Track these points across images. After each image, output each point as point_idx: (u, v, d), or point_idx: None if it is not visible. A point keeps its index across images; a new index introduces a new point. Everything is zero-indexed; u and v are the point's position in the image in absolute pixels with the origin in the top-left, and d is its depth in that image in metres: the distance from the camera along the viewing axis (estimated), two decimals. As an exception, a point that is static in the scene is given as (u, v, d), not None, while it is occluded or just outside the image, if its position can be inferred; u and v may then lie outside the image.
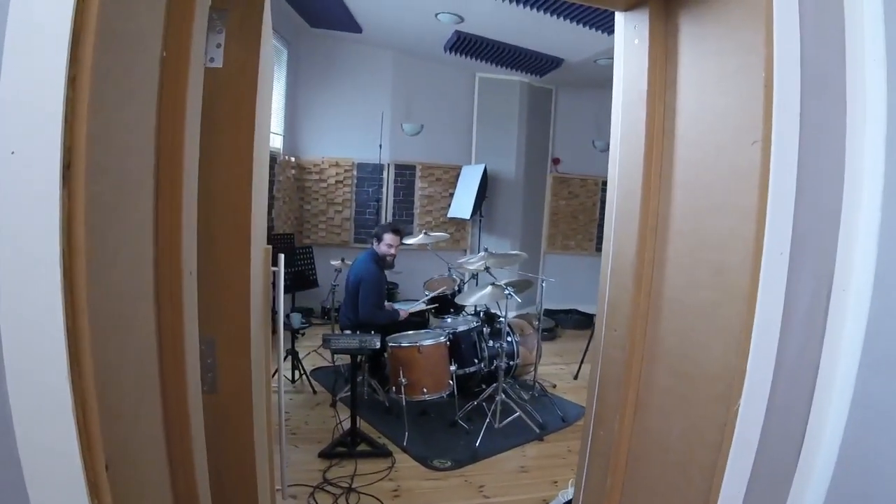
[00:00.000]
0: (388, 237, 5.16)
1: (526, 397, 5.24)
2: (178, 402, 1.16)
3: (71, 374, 0.84)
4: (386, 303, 5.27)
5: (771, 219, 1.09)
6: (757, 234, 1.09)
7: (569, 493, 3.37)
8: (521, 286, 4.99)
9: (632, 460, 1.38)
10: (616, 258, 1.45)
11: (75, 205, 0.84)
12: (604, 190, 9.16)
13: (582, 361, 6.24)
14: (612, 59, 6.30)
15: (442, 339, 4.60)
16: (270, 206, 7.22)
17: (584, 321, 8.61)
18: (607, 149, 7.05)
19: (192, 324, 1.23)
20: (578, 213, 9.27)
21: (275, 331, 3.84)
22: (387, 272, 5.37)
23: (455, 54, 7.49)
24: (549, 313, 8.19)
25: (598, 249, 9.14)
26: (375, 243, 5.16)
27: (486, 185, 7.98)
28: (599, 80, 8.37)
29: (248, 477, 1.50)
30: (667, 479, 1.27)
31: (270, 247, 2.10)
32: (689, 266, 1.23)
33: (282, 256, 2.66)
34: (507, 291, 4.55)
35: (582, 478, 1.57)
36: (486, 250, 4.94)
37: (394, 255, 5.24)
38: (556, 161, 9.13)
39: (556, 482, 3.90)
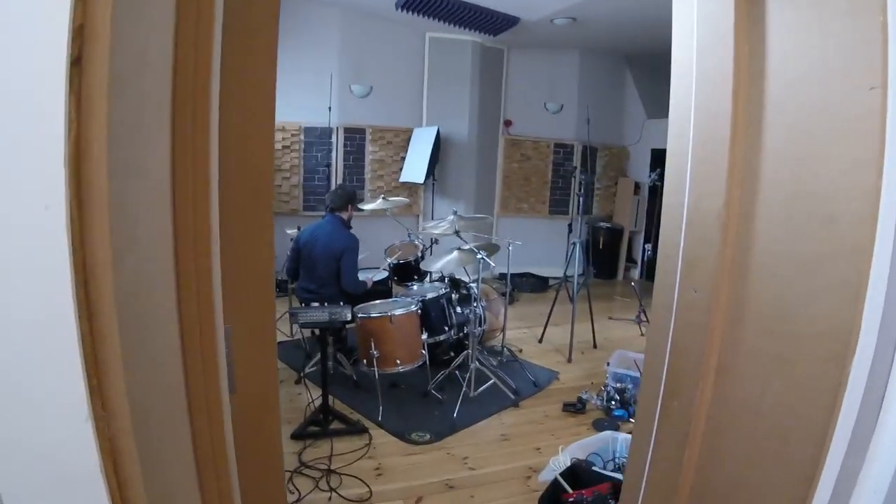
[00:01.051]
0: (353, 202, 4.93)
1: (495, 364, 5.13)
2: (210, 425, 0.94)
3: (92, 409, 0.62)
4: None
5: (890, 168, 0.94)
6: (875, 184, 0.95)
7: (559, 459, 3.27)
8: (490, 250, 4.83)
9: (711, 430, 1.25)
10: (693, 210, 1.28)
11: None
12: (556, 152, 9.14)
13: (546, 324, 6.17)
14: (570, 18, 6.12)
15: (413, 307, 4.41)
16: (215, 175, 6.81)
17: (539, 284, 8.59)
18: (560, 111, 6.95)
19: (220, 313, 0.99)
20: (531, 176, 9.15)
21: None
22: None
23: (406, 12, 7.14)
24: (505, 277, 8.11)
25: (552, 212, 9.20)
26: (344, 211, 4.83)
27: (438, 148, 7.75)
28: (554, 40, 8.23)
29: (274, 493, 1.26)
30: (760, 447, 1.14)
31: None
32: (787, 218, 1.08)
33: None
34: (480, 255, 4.37)
35: (647, 453, 1.43)
36: (455, 213, 4.75)
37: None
38: (507, 123, 8.96)
39: (538, 448, 3.81)
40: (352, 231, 4.84)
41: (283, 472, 1.33)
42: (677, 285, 1.33)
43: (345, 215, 4.81)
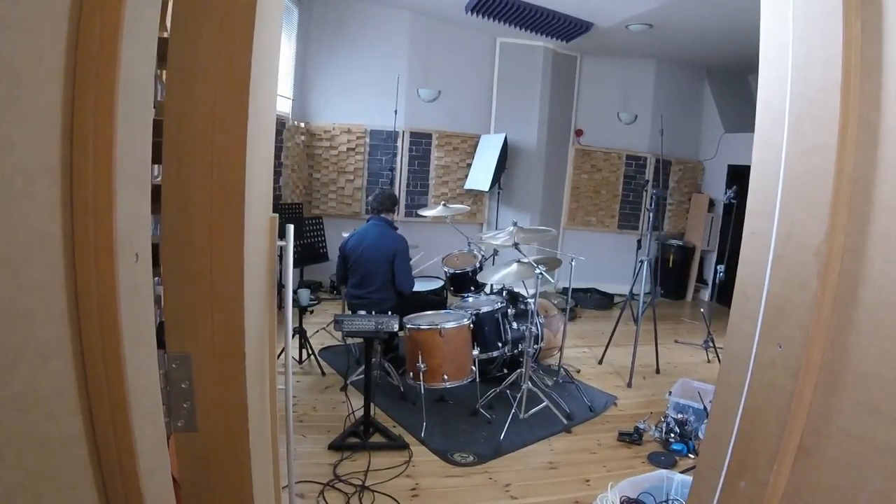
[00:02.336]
0: (395, 205, 4.94)
1: (550, 384, 4.88)
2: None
3: None
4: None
5: None
6: None
7: (608, 497, 3.00)
8: (551, 265, 4.59)
9: (784, 525, 0.99)
10: (783, 242, 1.02)
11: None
12: (628, 164, 8.77)
13: (608, 345, 5.86)
14: (646, 25, 5.82)
15: (465, 321, 4.21)
16: (278, 174, 6.82)
17: (604, 301, 8.24)
18: (633, 121, 6.67)
19: (141, 343, 0.82)
20: (601, 188, 8.81)
21: (281, 306, 3.50)
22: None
23: (476, 16, 6.98)
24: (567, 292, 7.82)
25: (621, 226, 8.84)
26: (389, 213, 4.78)
27: (505, 156, 7.54)
28: (629, 47, 7.91)
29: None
30: (847, 558, 0.87)
31: (276, 215, 1.71)
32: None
33: (290, 228, 2.28)
34: (538, 270, 4.14)
35: None
36: (514, 224, 4.53)
37: None
38: (578, 132, 8.66)
39: (587, 481, 3.55)
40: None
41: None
42: (757, 336, 1.06)
43: (390, 217, 4.75)
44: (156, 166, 1.06)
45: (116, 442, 0.79)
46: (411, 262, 4.89)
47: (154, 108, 0.94)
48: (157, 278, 1.25)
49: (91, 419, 0.75)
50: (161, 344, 1.04)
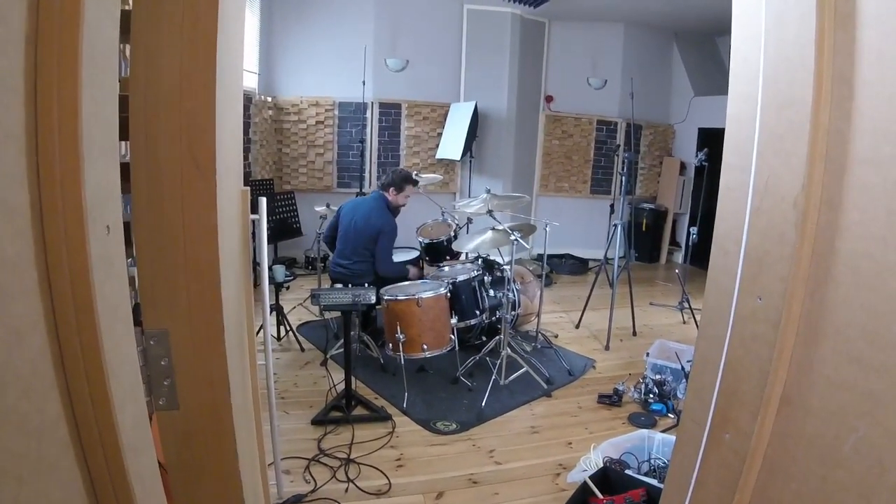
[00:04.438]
0: (409, 189, 4.82)
1: (528, 349, 4.92)
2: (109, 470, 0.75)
3: None
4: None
5: None
6: None
7: (591, 458, 3.05)
8: (525, 231, 4.59)
9: (769, 475, 1.00)
10: (762, 194, 1.01)
11: None
12: (599, 129, 8.78)
13: (584, 309, 5.91)
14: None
15: (442, 290, 4.21)
16: (247, 151, 6.70)
17: (579, 266, 8.30)
18: (603, 86, 6.64)
19: (117, 317, 0.79)
20: (572, 154, 8.81)
21: (257, 284, 3.46)
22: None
23: (442, -19, 6.88)
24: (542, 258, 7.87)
25: (593, 191, 8.87)
26: (392, 192, 4.72)
27: (476, 124, 7.49)
28: (597, 11, 7.87)
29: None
30: (831, 502, 0.89)
31: (248, 189, 1.67)
32: (889, 210, 0.82)
33: (263, 201, 2.24)
34: (513, 236, 4.14)
35: (686, 491, 1.19)
36: (488, 191, 4.52)
37: (404, 206, 4.92)
38: (548, 99, 8.63)
39: (569, 443, 3.60)
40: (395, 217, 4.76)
41: (243, 499, 1.14)
42: (737, 289, 1.06)
43: (389, 195, 4.72)
44: (123, 144, 1.02)
45: (97, 419, 0.77)
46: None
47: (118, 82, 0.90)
48: (129, 259, 1.22)
49: (69, 397, 0.73)
50: (138, 325, 1.02)
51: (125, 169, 0.96)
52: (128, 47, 1.13)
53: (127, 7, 1.02)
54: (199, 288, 1.00)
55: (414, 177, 5.02)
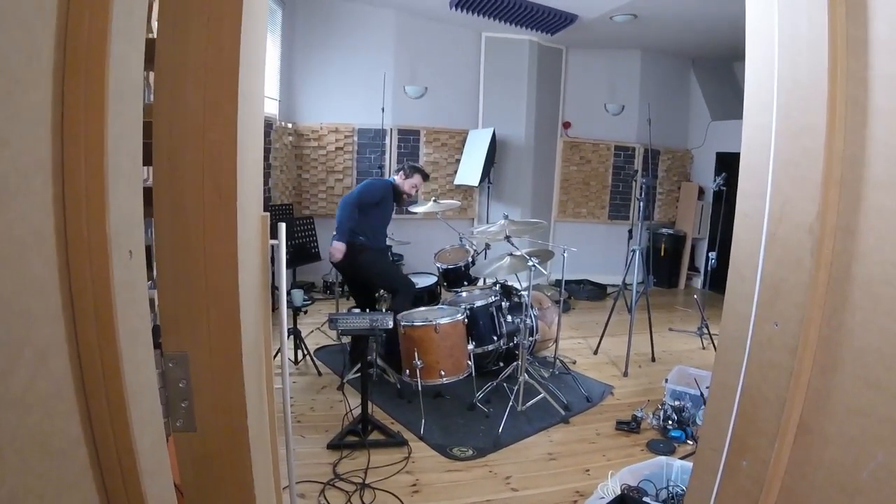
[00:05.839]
0: (417, 179, 5.00)
1: (546, 375, 4.89)
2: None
3: None
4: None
5: None
6: None
7: (608, 485, 3.01)
8: (543, 257, 4.59)
9: (786, 501, 0.99)
10: (776, 221, 1.02)
11: None
12: (616, 155, 8.79)
13: (603, 335, 5.87)
14: (630, 16, 5.82)
15: (459, 316, 4.21)
16: (267, 176, 6.79)
17: (597, 291, 8.26)
18: (620, 112, 6.69)
19: (137, 340, 0.81)
20: (590, 180, 8.83)
21: (275, 307, 3.48)
22: (391, 235, 5.41)
23: (461, 11, 6.97)
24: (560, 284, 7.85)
25: (611, 217, 8.85)
26: (401, 175, 4.98)
27: (494, 151, 7.54)
28: (614, 38, 7.92)
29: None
30: (851, 531, 0.88)
31: (268, 214, 1.70)
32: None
33: (283, 227, 2.26)
34: (531, 262, 4.14)
35: None
36: (505, 217, 4.53)
37: (411, 198, 5.09)
38: (566, 125, 8.67)
39: (587, 470, 3.55)
40: (406, 203, 5.14)
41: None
42: (753, 315, 1.06)
43: (398, 178, 4.96)
44: (146, 169, 1.05)
45: (116, 442, 0.79)
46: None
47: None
48: (150, 282, 1.24)
49: (90, 419, 0.75)
50: (157, 347, 1.04)
51: (147, 193, 0.99)
52: (151, 74, 1.17)
53: (151, 35, 1.05)
54: (219, 312, 1.02)
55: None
